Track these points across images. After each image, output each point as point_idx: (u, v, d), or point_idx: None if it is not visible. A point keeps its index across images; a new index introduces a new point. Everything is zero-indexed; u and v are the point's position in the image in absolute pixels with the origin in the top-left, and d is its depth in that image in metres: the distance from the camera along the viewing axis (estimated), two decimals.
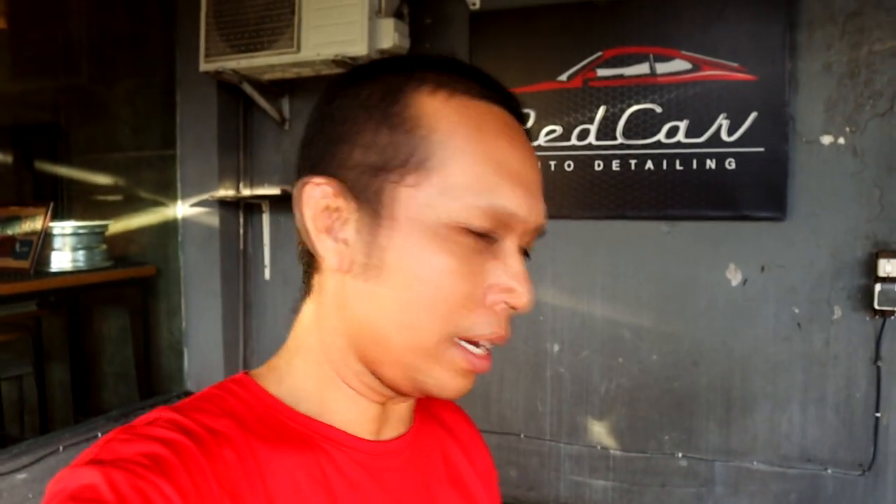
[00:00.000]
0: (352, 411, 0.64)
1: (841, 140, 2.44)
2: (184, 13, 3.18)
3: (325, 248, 0.60)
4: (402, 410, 0.70)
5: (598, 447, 2.80)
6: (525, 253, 0.64)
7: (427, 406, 0.78)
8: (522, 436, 2.92)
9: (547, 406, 2.88)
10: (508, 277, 0.60)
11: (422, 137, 0.58)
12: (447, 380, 0.61)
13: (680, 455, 2.69)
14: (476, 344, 0.60)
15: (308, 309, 0.65)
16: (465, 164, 0.58)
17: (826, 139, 2.45)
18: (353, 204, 0.59)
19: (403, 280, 0.58)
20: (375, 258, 0.59)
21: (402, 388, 0.62)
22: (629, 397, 2.76)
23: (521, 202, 0.59)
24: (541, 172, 0.65)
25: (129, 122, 3.50)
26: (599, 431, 2.80)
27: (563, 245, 2.80)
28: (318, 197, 0.60)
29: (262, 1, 2.73)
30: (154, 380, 3.46)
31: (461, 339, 0.60)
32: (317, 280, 0.64)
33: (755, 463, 2.59)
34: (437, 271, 0.58)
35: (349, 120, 0.60)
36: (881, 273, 2.35)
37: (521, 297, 0.60)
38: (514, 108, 0.64)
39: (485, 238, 0.59)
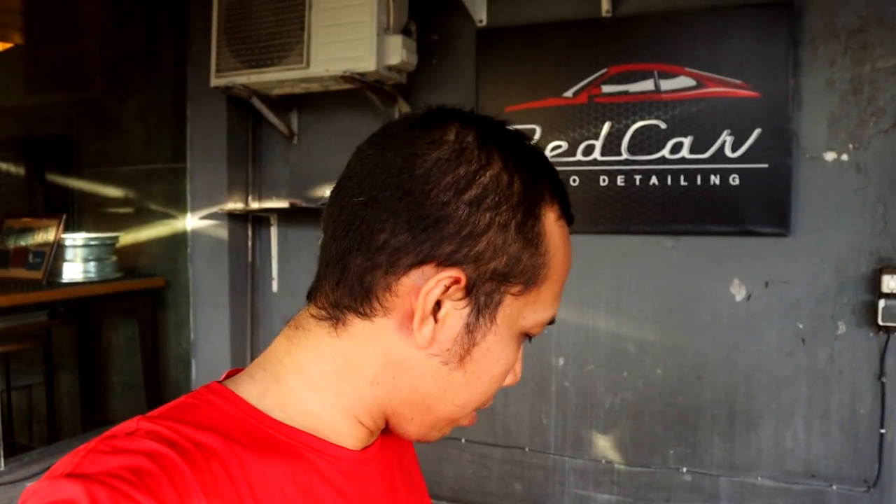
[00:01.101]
0: (351, 435, 0.65)
1: (844, 156, 2.45)
2: (196, 30, 3.23)
3: (425, 326, 0.60)
4: None
5: (603, 461, 2.81)
6: None
7: None
8: (527, 449, 2.92)
9: (552, 420, 2.89)
10: (517, 363, 0.68)
11: (541, 256, 0.62)
12: (446, 434, 0.69)
13: (684, 469, 2.70)
14: None
15: (329, 341, 0.64)
16: (553, 284, 0.64)
17: (829, 155, 2.47)
18: (464, 296, 0.60)
19: (479, 372, 0.64)
20: (463, 349, 0.62)
21: (408, 436, 0.68)
22: (634, 411, 2.77)
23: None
24: None
25: (140, 136, 3.55)
26: (604, 445, 2.81)
27: None
28: (444, 283, 0.59)
29: (273, 18, 2.78)
30: (162, 390, 3.50)
31: None
32: (359, 325, 0.62)
33: (759, 478, 2.59)
34: (505, 369, 0.66)
35: (482, 212, 0.59)
36: (885, 289, 2.35)
37: (518, 377, 0.69)
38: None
39: None
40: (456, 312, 0.60)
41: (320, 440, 0.63)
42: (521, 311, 0.63)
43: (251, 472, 0.57)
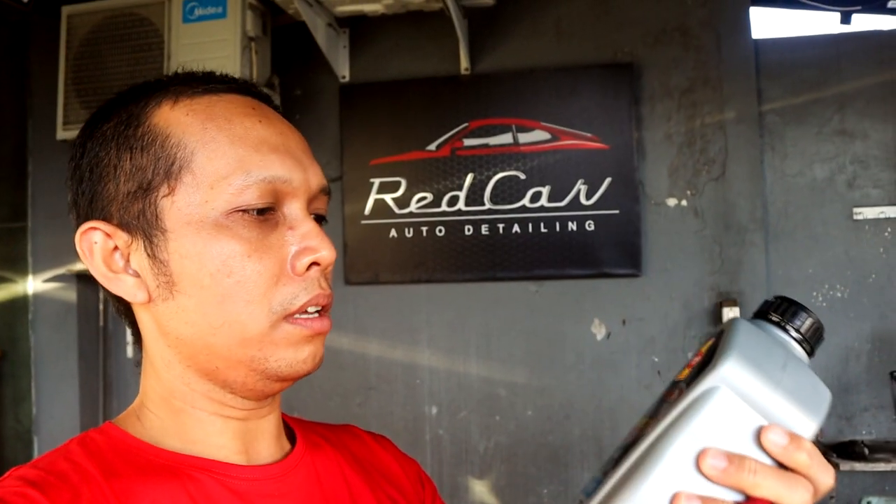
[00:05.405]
0: (212, 435, 0.64)
1: (684, 202, 2.70)
2: (38, 80, 3.05)
3: (125, 287, 0.62)
4: (267, 427, 0.68)
5: None
6: (322, 218, 0.67)
7: (323, 433, 0.76)
8: None
9: (427, 469, 2.86)
10: (302, 239, 0.61)
11: (160, 146, 0.60)
12: (293, 354, 0.61)
13: None
14: (305, 311, 0.61)
15: (144, 354, 0.66)
16: (214, 153, 0.60)
17: (671, 201, 2.71)
18: (129, 235, 0.61)
19: (194, 282, 0.60)
20: (163, 275, 0.61)
21: (254, 385, 0.62)
22: (507, 454, 2.82)
23: (290, 168, 0.62)
24: (306, 142, 0.68)
25: None
26: (481, 490, 2.84)
27: (437, 308, 2.87)
28: (97, 241, 0.62)
29: (128, 69, 2.68)
30: None
31: (287, 315, 0.61)
32: (139, 325, 0.66)
33: None
34: (224, 260, 0.59)
35: (103, 158, 0.62)
36: (725, 320, 2.58)
37: (320, 250, 0.61)
38: (258, 94, 0.68)
39: (269, 213, 0.61)
40: (135, 254, 0.62)
41: (202, 459, 0.62)
42: (192, 199, 0.59)
43: (123, 495, 0.57)
